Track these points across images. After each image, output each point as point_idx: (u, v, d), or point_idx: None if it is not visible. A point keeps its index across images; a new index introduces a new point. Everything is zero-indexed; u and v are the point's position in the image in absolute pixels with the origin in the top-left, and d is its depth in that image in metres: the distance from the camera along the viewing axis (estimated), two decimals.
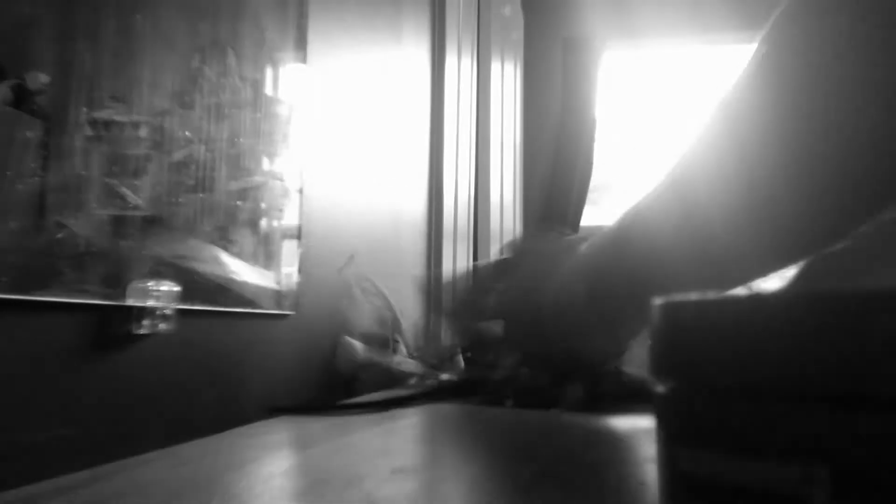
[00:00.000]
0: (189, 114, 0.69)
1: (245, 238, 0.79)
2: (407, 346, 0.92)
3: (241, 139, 0.78)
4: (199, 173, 0.70)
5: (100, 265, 0.56)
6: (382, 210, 1.33)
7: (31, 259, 0.50)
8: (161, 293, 0.62)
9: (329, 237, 1.05)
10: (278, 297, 0.86)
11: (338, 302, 1.04)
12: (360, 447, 0.43)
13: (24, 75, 0.50)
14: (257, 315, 0.82)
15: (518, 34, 2.69)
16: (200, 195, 0.70)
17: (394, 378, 0.89)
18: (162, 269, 0.63)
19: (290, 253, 0.91)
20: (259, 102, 0.82)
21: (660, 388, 0.17)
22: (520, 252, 0.64)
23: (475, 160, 2.05)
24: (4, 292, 0.48)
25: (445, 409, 0.64)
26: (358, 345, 0.98)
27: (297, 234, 0.93)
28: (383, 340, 0.93)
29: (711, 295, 0.16)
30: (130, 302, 0.59)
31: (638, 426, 0.51)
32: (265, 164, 0.84)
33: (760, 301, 0.15)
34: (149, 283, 0.61)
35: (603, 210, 3.20)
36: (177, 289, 0.64)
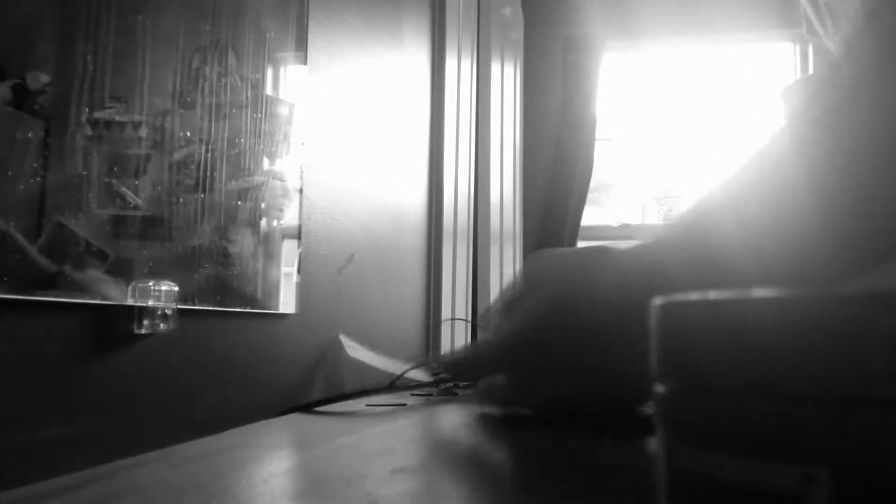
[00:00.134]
0: (189, 114, 0.69)
1: (245, 238, 0.79)
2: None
3: (241, 139, 0.78)
4: (199, 173, 0.70)
5: (100, 265, 0.56)
6: (382, 210, 1.33)
7: (31, 259, 0.50)
8: (161, 293, 0.62)
9: (329, 237, 1.05)
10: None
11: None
12: (360, 447, 0.43)
13: (25, 75, 0.50)
14: (257, 315, 0.82)
15: (518, 34, 2.69)
16: (200, 195, 0.70)
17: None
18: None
19: (290, 253, 0.91)
20: (259, 102, 0.82)
21: (660, 388, 0.17)
22: (532, 275, 0.51)
23: (475, 160, 2.05)
24: (4, 292, 0.48)
25: (446, 409, 0.64)
26: (355, 345, 0.98)
27: (297, 234, 0.93)
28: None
29: (711, 295, 0.16)
30: (131, 302, 0.59)
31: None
32: (265, 163, 0.84)
33: (761, 301, 0.15)
34: (149, 283, 0.61)
35: (603, 210, 3.20)
36: (176, 288, 0.64)
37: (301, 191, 0.94)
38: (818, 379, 0.14)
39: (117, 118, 0.59)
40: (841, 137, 0.29)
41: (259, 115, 0.82)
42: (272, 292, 0.86)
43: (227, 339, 0.77)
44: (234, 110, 0.77)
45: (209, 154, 0.72)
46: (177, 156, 0.67)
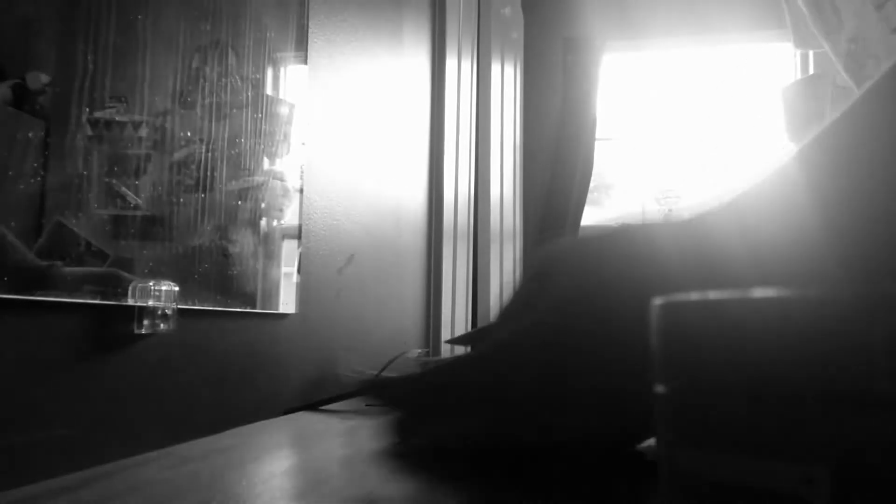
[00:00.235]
0: (189, 114, 0.69)
1: (245, 238, 0.79)
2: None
3: (241, 139, 0.78)
4: (199, 173, 0.70)
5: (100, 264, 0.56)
6: (382, 210, 1.33)
7: (21, 255, 0.50)
8: (161, 293, 0.62)
9: (329, 237, 1.05)
10: None
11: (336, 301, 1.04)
12: (360, 447, 0.43)
13: (25, 75, 0.50)
14: (257, 315, 0.82)
15: (518, 34, 2.69)
16: (200, 195, 0.70)
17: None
18: None
19: (290, 253, 0.91)
20: (259, 102, 0.82)
21: (660, 388, 0.17)
22: (544, 268, 0.40)
23: (475, 160, 2.05)
24: (5, 292, 0.48)
25: None
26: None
27: (298, 234, 0.93)
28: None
29: (711, 295, 0.16)
30: (131, 302, 0.59)
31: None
32: (265, 163, 0.84)
33: (761, 302, 0.15)
34: (149, 283, 0.61)
35: (603, 210, 3.20)
36: (177, 288, 0.64)
37: (301, 191, 0.94)
38: (818, 379, 0.14)
39: (117, 118, 0.59)
40: (849, 170, 0.29)
41: (259, 115, 0.82)
42: (272, 292, 0.86)
43: (227, 339, 0.77)
44: (234, 110, 0.77)
45: (209, 154, 0.72)
46: (177, 156, 0.67)
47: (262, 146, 0.83)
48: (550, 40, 2.89)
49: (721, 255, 0.31)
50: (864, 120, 0.29)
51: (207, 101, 0.72)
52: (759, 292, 0.15)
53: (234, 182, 0.77)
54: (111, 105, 0.58)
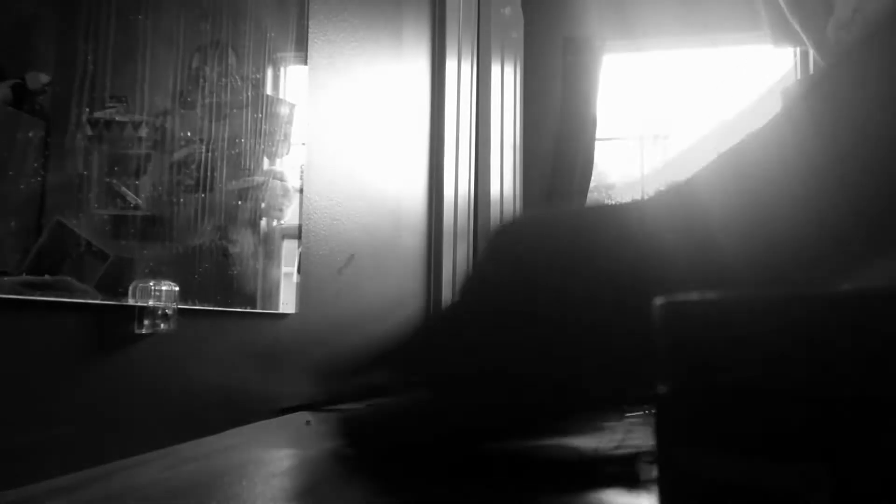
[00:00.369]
0: (189, 114, 0.69)
1: (245, 238, 0.79)
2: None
3: (241, 139, 0.78)
4: (199, 173, 0.70)
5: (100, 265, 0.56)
6: (382, 210, 1.33)
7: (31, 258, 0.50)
8: (161, 293, 0.62)
9: (329, 237, 1.05)
10: None
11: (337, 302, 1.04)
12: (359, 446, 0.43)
13: (25, 75, 0.50)
14: (257, 315, 0.82)
15: (518, 34, 2.69)
16: (201, 195, 0.70)
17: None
18: None
19: (290, 253, 0.91)
20: (259, 102, 0.82)
21: (660, 388, 0.17)
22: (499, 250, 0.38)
23: (475, 159, 2.05)
24: (5, 292, 0.48)
25: None
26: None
27: (298, 234, 0.93)
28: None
29: (711, 295, 0.16)
30: (131, 302, 0.59)
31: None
32: (265, 163, 0.84)
33: (761, 301, 0.15)
34: (150, 283, 0.61)
35: None
36: (177, 288, 0.64)
37: (301, 191, 0.94)
38: (818, 379, 0.14)
39: (117, 118, 0.59)
40: (837, 124, 0.28)
41: (259, 115, 0.82)
42: (272, 292, 0.86)
43: (227, 339, 0.77)
44: (234, 110, 0.77)
45: (209, 154, 0.72)
46: (177, 156, 0.67)
47: (262, 146, 0.83)
48: (550, 40, 2.89)
49: (702, 219, 0.31)
50: (856, 70, 0.29)
51: (207, 101, 0.72)
52: (760, 292, 0.15)
53: (234, 182, 0.77)
54: (111, 105, 0.58)
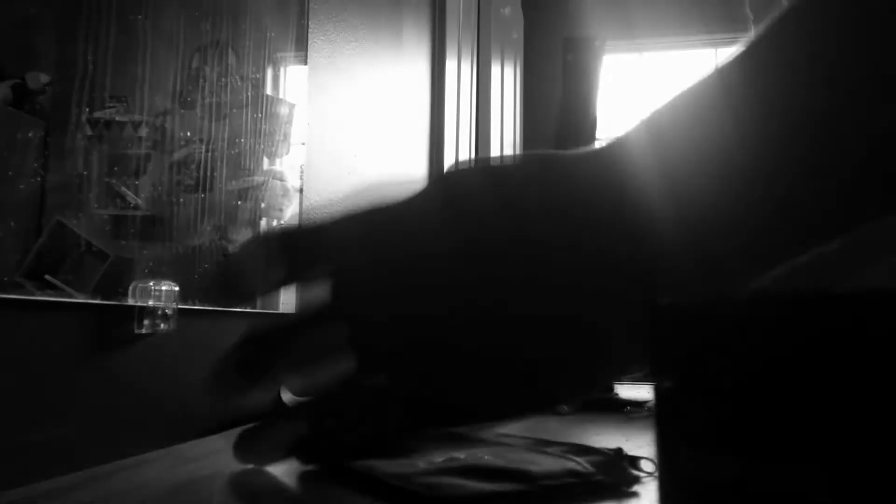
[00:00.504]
0: (189, 114, 0.69)
1: (245, 238, 0.79)
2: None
3: (241, 139, 0.78)
4: (199, 173, 0.70)
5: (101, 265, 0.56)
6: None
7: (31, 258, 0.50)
8: (161, 293, 0.62)
9: None
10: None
11: None
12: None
13: (25, 75, 0.50)
14: (257, 315, 0.82)
15: (518, 34, 2.69)
16: (200, 195, 0.70)
17: None
18: None
19: None
20: (259, 102, 0.82)
21: (660, 388, 0.17)
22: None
23: (475, 160, 2.05)
24: (5, 292, 0.48)
25: None
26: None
27: None
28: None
29: (711, 295, 0.16)
30: (131, 302, 0.59)
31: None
32: (265, 163, 0.84)
33: (760, 302, 0.15)
34: (149, 283, 0.61)
35: None
36: (177, 288, 0.64)
37: (301, 191, 0.94)
38: (816, 379, 0.14)
39: (117, 118, 0.59)
40: (762, 101, 0.27)
41: (259, 115, 0.82)
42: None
43: (227, 339, 0.76)
44: (234, 110, 0.77)
45: (209, 154, 0.72)
46: (177, 156, 0.67)
47: (262, 146, 0.83)
48: (550, 40, 2.89)
49: (633, 180, 0.28)
50: (787, 34, 0.27)
51: (207, 100, 0.72)
52: (760, 292, 0.15)
53: (233, 182, 0.77)
54: (111, 105, 0.58)
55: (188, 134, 0.68)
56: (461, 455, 0.35)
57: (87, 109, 0.55)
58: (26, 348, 0.50)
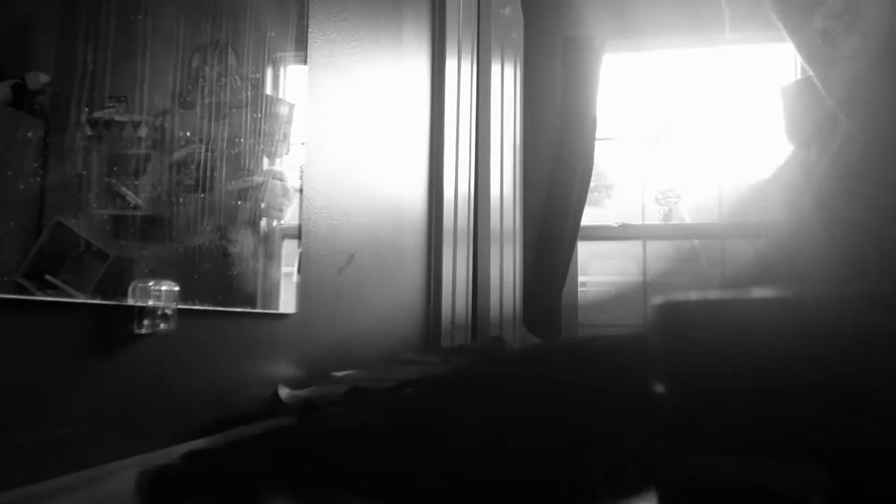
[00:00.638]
0: (189, 114, 0.69)
1: (245, 238, 0.79)
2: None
3: (241, 139, 0.78)
4: (199, 173, 0.70)
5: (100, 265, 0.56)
6: (382, 210, 1.33)
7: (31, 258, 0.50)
8: (161, 293, 0.62)
9: (329, 237, 1.05)
10: None
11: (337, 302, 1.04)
12: None
13: (25, 75, 0.50)
14: (257, 315, 0.82)
15: (518, 34, 2.69)
16: (200, 195, 0.70)
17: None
18: None
19: (290, 253, 0.91)
20: (259, 102, 0.82)
21: (660, 389, 0.17)
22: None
23: (475, 160, 2.05)
24: (5, 292, 0.48)
25: None
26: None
27: (298, 234, 0.93)
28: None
29: (711, 295, 0.16)
30: (131, 302, 0.59)
31: None
32: (265, 163, 0.84)
33: (761, 302, 0.15)
34: (149, 283, 0.61)
35: (603, 210, 3.21)
36: (177, 288, 0.64)
37: (301, 191, 0.94)
38: (818, 379, 0.14)
39: (117, 118, 0.59)
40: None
41: (259, 115, 0.82)
42: (272, 292, 0.86)
43: (227, 339, 0.76)
44: (233, 110, 0.77)
45: (209, 154, 0.72)
46: (177, 156, 0.67)
47: (262, 146, 0.83)
48: (550, 40, 2.89)
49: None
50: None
51: (207, 100, 0.72)
52: (759, 292, 0.15)
53: (233, 182, 0.77)
54: (111, 105, 0.58)
55: (188, 134, 0.68)
56: None
57: (87, 109, 0.55)
58: (26, 348, 0.50)
